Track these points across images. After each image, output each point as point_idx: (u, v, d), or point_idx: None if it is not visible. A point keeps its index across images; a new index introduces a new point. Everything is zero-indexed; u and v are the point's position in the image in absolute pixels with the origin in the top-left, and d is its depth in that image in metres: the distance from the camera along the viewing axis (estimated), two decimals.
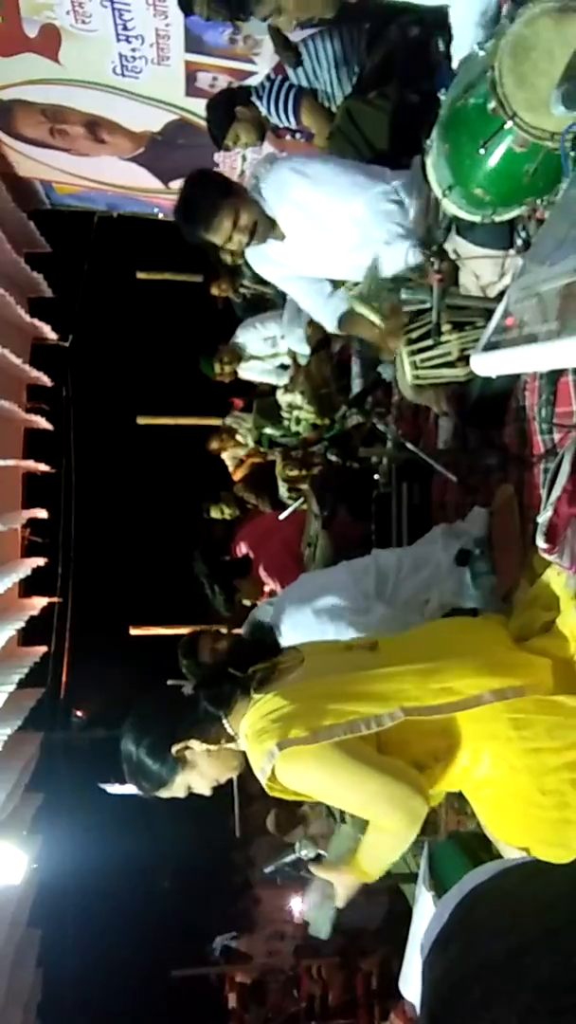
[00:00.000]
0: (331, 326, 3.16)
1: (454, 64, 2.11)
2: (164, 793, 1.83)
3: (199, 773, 1.80)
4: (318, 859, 2.01)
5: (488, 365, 1.02)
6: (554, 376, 1.33)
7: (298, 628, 2.40)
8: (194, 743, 1.78)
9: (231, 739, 1.79)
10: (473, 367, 1.04)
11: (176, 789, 1.82)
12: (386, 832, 1.66)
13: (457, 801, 2.35)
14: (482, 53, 1.40)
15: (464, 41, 2.07)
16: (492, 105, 1.35)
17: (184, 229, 2.78)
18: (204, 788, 1.83)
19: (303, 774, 1.62)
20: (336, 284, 2.97)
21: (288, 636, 2.41)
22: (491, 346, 1.02)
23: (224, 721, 1.77)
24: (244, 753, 1.78)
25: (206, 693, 1.81)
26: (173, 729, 1.78)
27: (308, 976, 5.89)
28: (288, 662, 1.87)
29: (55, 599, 8.15)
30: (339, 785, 1.63)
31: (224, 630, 3.02)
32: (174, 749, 1.77)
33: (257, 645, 1.99)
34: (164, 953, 7.71)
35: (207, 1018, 7.46)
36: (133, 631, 6.85)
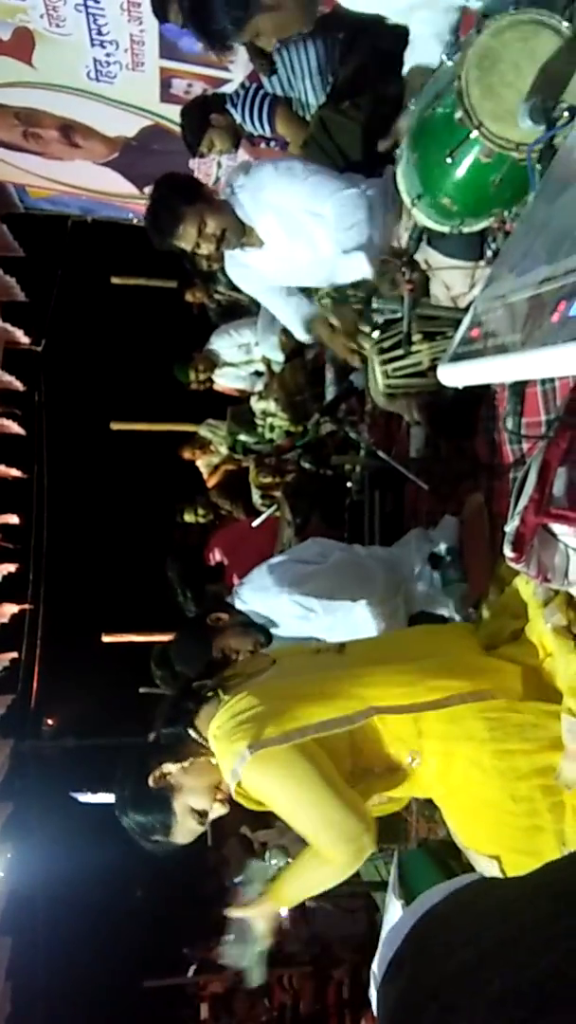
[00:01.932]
0: (300, 333, 3.16)
1: (404, 70, 2.13)
2: (179, 834, 1.78)
3: (191, 790, 1.76)
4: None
5: (454, 376, 1.02)
6: (519, 387, 1.34)
7: (252, 584, 2.42)
8: (167, 766, 1.76)
9: (202, 747, 1.77)
10: (440, 378, 1.05)
11: (183, 821, 1.77)
12: (325, 862, 1.65)
13: (427, 809, 2.36)
14: (450, 63, 1.41)
15: (420, 51, 2.10)
16: (459, 115, 1.36)
17: (151, 235, 2.77)
18: (209, 803, 1.77)
19: (267, 779, 1.61)
20: (310, 293, 2.97)
21: (245, 597, 2.42)
22: (457, 357, 1.03)
23: (190, 731, 1.76)
24: None
25: (162, 721, 1.80)
26: (142, 768, 1.76)
27: (279, 986, 5.87)
28: (256, 665, 1.87)
29: (26, 605, 8.07)
30: (300, 801, 1.61)
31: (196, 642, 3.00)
32: (151, 781, 1.75)
33: (217, 661, 1.98)
34: (136, 963, 7.64)
35: None
36: (105, 638, 6.79)
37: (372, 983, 1.79)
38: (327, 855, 1.64)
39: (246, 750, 1.57)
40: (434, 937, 0.71)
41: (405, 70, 2.22)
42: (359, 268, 2.48)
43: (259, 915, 1.78)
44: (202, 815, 1.77)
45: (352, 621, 2.25)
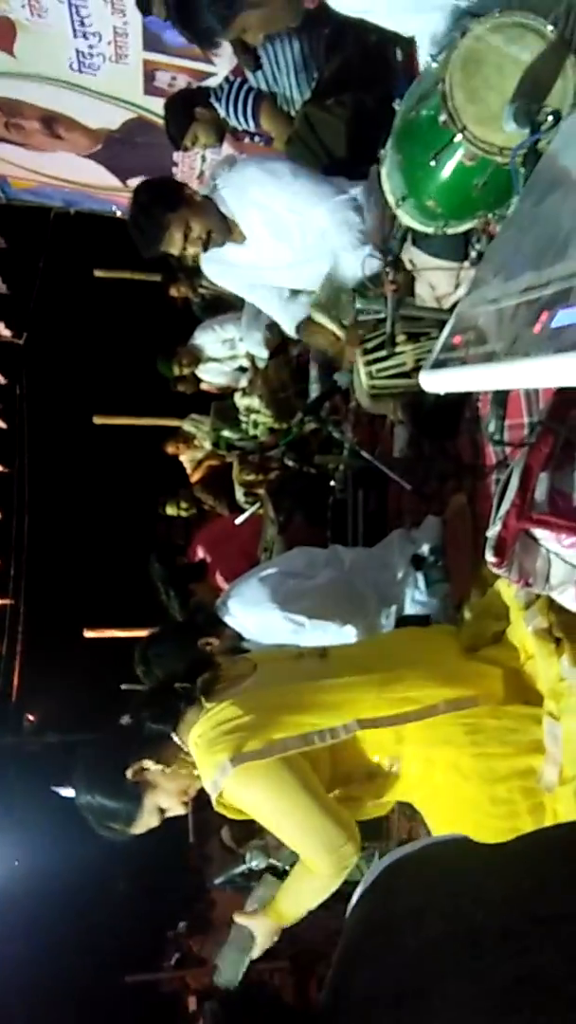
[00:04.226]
0: (290, 330, 3.15)
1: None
2: (139, 827, 1.78)
3: (163, 791, 1.77)
4: (269, 870, 2.00)
5: (436, 383, 1.02)
6: (501, 395, 1.34)
7: (243, 598, 2.40)
8: (148, 763, 1.75)
9: (183, 753, 1.76)
10: (422, 384, 1.04)
11: (147, 817, 1.78)
12: (312, 875, 1.66)
13: (408, 808, 2.36)
14: (434, 65, 1.40)
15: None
16: (443, 118, 1.35)
17: (138, 245, 2.75)
18: (175, 805, 1.79)
19: (251, 795, 1.62)
20: (294, 293, 2.96)
21: (233, 610, 2.40)
22: (439, 364, 1.02)
23: (173, 735, 1.75)
24: None
25: (149, 713, 1.78)
26: (122, 756, 1.75)
27: (260, 983, 5.87)
28: (238, 670, 1.86)
29: (7, 600, 8.02)
30: (283, 812, 1.62)
31: (178, 644, 2.98)
32: (129, 773, 1.74)
33: (204, 659, 1.97)
34: (118, 959, 7.62)
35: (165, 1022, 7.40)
36: (87, 633, 6.76)
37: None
38: (312, 866, 1.65)
39: (228, 763, 1.57)
40: (397, 880, 0.77)
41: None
42: (359, 266, 2.48)
43: (260, 930, 1.78)
44: (163, 813, 1.79)
45: (340, 635, 2.25)
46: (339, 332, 2.42)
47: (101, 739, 1.88)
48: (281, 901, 1.76)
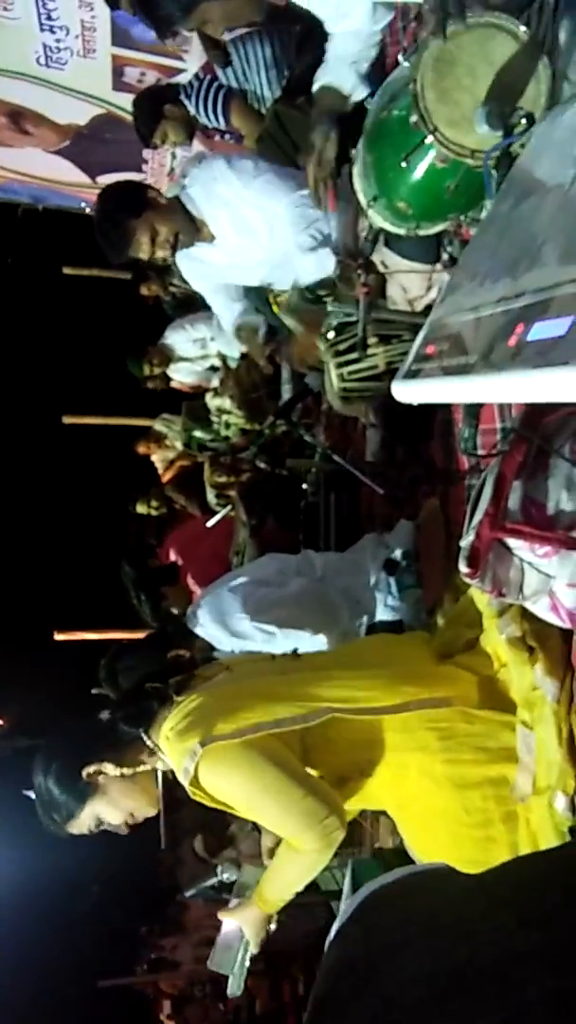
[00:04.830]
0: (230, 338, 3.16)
1: (313, 88, 2.12)
2: (73, 828, 1.74)
3: (110, 801, 1.73)
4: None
5: (409, 394, 0.99)
6: (475, 408, 1.32)
7: (213, 609, 2.36)
8: (108, 767, 1.71)
9: (151, 755, 1.73)
10: (395, 395, 1.01)
11: (84, 820, 1.73)
12: (297, 853, 1.62)
13: (384, 815, 2.35)
14: (406, 64, 1.37)
15: (331, 70, 2.09)
16: (414, 119, 1.32)
17: (105, 252, 2.72)
18: (116, 820, 1.75)
19: (224, 775, 1.57)
20: (262, 292, 2.93)
21: (203, 621, 2.36)
22: (412, 374, 0.99)
23: (144, 737, 1.71)
24: (160, 779, 1.73)
25: (123, 714, 1.74)
26: (85, 752, 1.71)
27: None
28: (211, 671, 1.84)
29: None
30: (257, 789, 1.57)
31: (147, 655, 2.94)
32: (85, 772, 1.70)
33: (174, 663, 1.94)
34: (91, 963, 7.55)
35: None
36: (58, 636, 6.66)
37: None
38: (296, 844, 1.61)
39: (197, 745, 1.54)
40: (376, 915, 0.74)
41: (315, 87, 2.20)
42: (322, 266, 2.45)
43: (246, 921, 1.74)
44: (99, 824, 1.74)
45: (312, 644, 2.23)
46: (299, 331, 2.39)
47: (73, 725, 1.84)
48: (266, 887, 1.71)
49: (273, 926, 1.76)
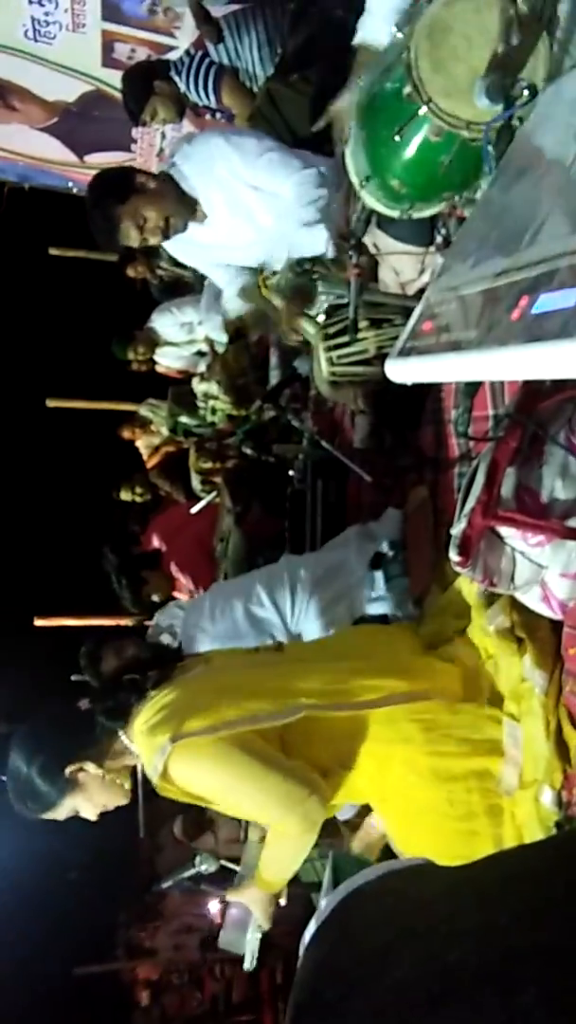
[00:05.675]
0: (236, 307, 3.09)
1: (354, 40, 2.04)
2: (47, 815, 1.73)
3: (87, 797, 1.72)
4: (221, 870, 1.96)
5: (403, 372, 0.95)
6: (473, 387, 1.28)
7: (214, 633, 2.32)
8: (90, 765, 1.69)
9: (128, 754, 1.70)
10: (388, 374, 0.97)
11: (60, 812, 1.73)
12: (283, 835, 1.60)
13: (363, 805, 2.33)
14: (399, 35, 1.32)
15: (370, 25, 2.01)
16: (408, 89, 1.27)
17: (98, 242, 2.66)
18: (90, 813, 1.74)
19: (196, 770, 1.55)
20: (251, 276, 2.88)
21: (205, 644, 2.33)
22: (407, 352, 0.95)
23: (121, 734, 1.69)
24: (140, 770, 1.71)
25: (102, 707, 1.72)
26: (69, 748, 1.69)
27: (210, 976, 5.84)
28: (189, 665, 1.81)
29: None
30: (232, 781, 1.55)
31: (130, 644, 2.90)
32: (68, 770, 1.68)
33: (157, 655, 1.90)
34: (67, 950, 7.53)
35: (114, 1018, 7.32)
36: (38, 622, 6.59)
37: (301, 948, 1.78)
38: (280, 829, 1.59)
39: (167, 741, 1.51)
40: (357, 915, 0.71)
41: (356, 41, 2.12)
42: (318, 241, 2.40)
43: (252, 901, 1.73)
44: (74, 812, 1.74)
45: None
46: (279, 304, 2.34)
47: (56, 715, 1.81)
48: (264, 870, 1.70)
49: (283, 901, 1.77)
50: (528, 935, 0.56)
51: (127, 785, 1.73)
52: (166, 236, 2.64)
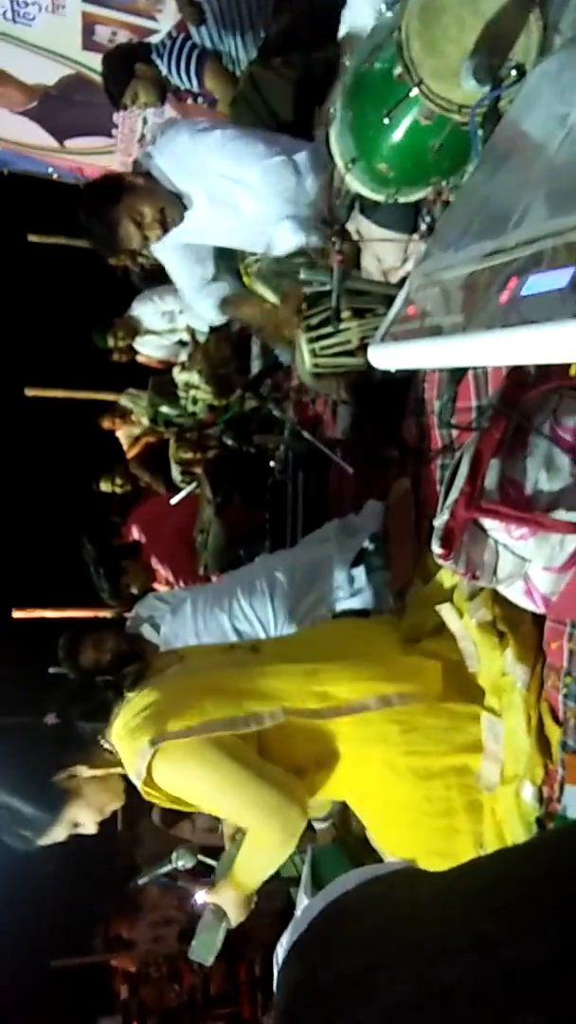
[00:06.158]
0: (209, 313, 3.07)
1: (340, 31, 2.01)
2: (48, 839, 1.66)
3: (86, 803, 1.66)
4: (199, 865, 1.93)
5: (386, 359, 0.91)
6: (457, 375, 1.25)
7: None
8: (81, 768, 1.64)
9: (109, 753, 1.67)
10: (371, 360, 0.94)
11: (61, 830, 1.65)
12: (261, 843, 1.57)
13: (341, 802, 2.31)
14: (389, 13, 1.29)
15: (354, 14, 1.98)
16: (398, 71, 1.24)
17: (99, 251, 2.64)
18: (90, 823, 1.68)
19: (178, 772, 1.52)
20: (231, 255, 2.84)
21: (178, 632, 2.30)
22: (390, 337, 0.92)
23: (100, 737, 1.65)
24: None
25: (80, 709, 1.67)
26: (52, 763, 1.64)
27: (188, 968, 5.82)
28: (164, 661, 1.77)
29: None
30: (214, 786, 1.52)
31: (109, 636, 2.86)
32: (58, 778, 1.63)
33: (134, 651, 1.87)
34: (45, 943, 7.48)
35: (92, 1011, 7.28)
36: (16, 614, 6.52)
37: (275, 964, 1.75)
38: (258, 836, 1.56)
39: (147, 744, 1.48)
40: (339, 929, 0.66)
41: (341, 32, 2.09)
42: (290, 238, 2.36)
43: (227, 902, 1.68)
44: (75, 827, 1.68)
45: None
46: (276, 302, 2.30)
47: (19, 738, 1.72)
48: (238, 873, 1.66)
49: (254, 903, 1.73)
50: (524, 952, 0.53)
51: (122, 784, 1.67)
52: (165, 229, 2.62)
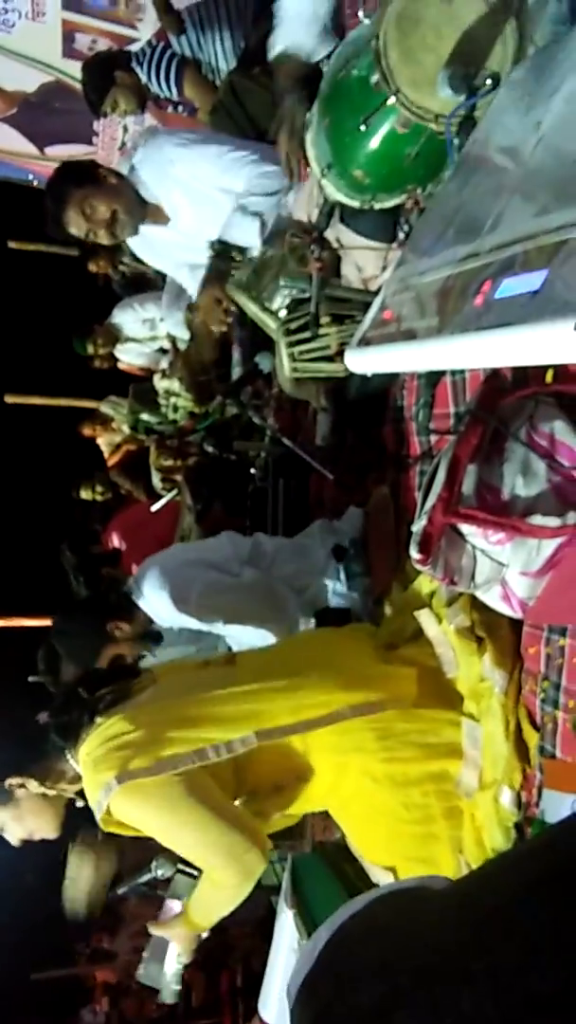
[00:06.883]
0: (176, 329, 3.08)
1: (269, 56, 2.04)
2: None
3: (17, 817, 1.67)
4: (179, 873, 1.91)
5: (363, 362, 0.92)
6: (433, 378, 1.25)
7: (158, 580, 2.25)
8: (32, 783, 1.64)
9: (71, 781, 1.66)
10: (347, 364, 0.94)
11: None
12: (218, 885, 1.56)
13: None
14: (367, 21, 1.30)
15: (288, 33, 2.01)
16: (375, 78, 1.25)
17: (46, 227, 2.63)
18: (12, 836, 1.69)
19: (139, 813, 1.50)
20: None
21: (147, 591, 2.26)
22: (366, 342, 0.92)
23: (68, 755, 1.64)
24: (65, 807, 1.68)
25: (56, 722, 1.66)
26: (19, 759, 1.65)
27: None
28: (141, 684, 1.75)
29: None
30: (174, 826, 1.51)
31: None
32: (9, 782, 1.62)
33: (112, 669, 1.86)
34: (24, 955, 7.38)
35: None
36: None
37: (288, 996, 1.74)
38: (216, 878, 1.55)
39: (113, 780, 1.45)
40: (347, 961, 0.64)
41: (274, 52, 2.11)
42: (250, 234, 2.41)
43: (177, 937, 1.68)
44: None
45: (255, 638, 2.16)
46: (261, 315, 2.30)
47: (18, 724, 1.78)
48: (192, 911, 1.66)
49: (205, 935, 1.71)
50: (545, 981, 0.51)
51: (61, 817, 1.68)
52: (113, 234, 2.62)
